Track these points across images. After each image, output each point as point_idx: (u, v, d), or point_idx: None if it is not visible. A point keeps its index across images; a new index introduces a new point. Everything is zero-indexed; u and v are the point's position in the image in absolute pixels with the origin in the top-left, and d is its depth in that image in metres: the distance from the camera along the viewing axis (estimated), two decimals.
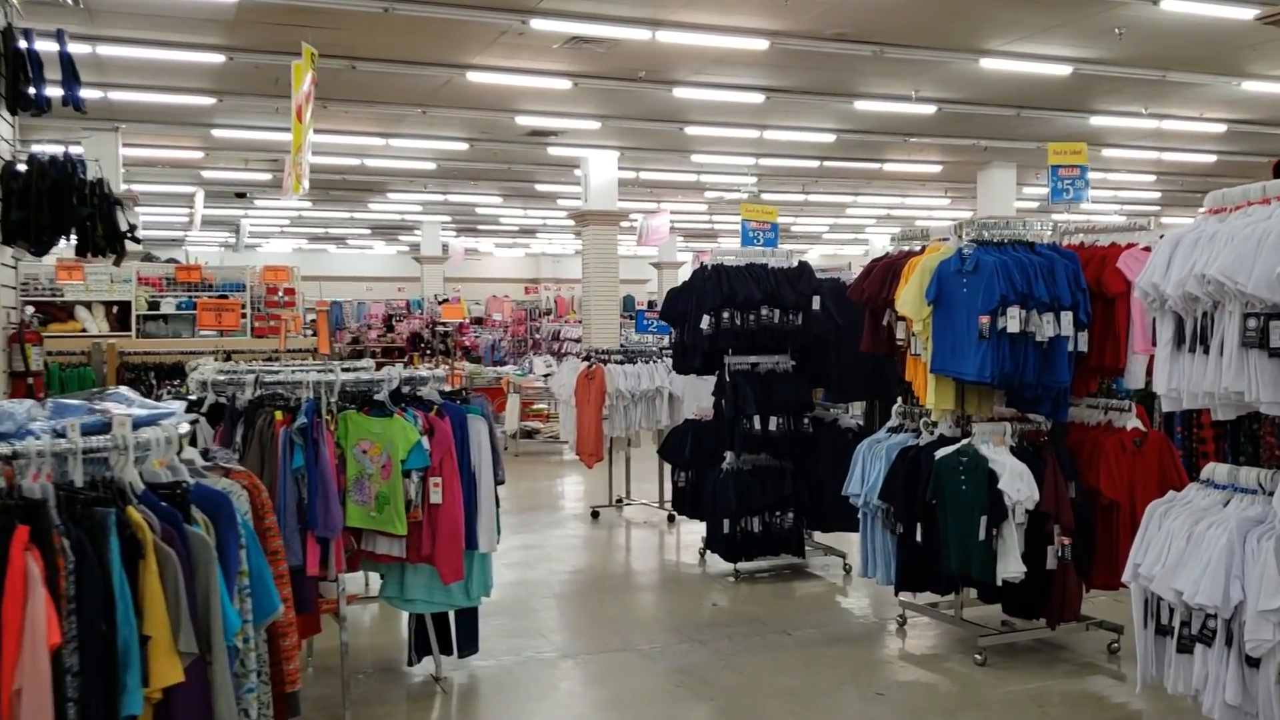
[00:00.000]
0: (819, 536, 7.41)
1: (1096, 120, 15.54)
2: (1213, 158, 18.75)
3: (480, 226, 31.66)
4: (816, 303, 6.79)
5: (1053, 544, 5.05)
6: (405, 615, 5.15)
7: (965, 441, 5.15)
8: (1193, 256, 3.74)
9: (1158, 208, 26.76)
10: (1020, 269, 5.04)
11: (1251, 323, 3.51)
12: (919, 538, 5.33)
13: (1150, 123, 15.66)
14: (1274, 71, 12.62)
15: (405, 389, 4.70)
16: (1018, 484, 4.94)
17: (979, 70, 12.67)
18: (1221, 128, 16.16)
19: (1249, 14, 9.96)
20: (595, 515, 9.19)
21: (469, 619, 5.07)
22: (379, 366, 5.09)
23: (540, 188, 22.61)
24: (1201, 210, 3.94)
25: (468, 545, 4.63)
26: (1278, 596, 3.39)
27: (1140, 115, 15.34)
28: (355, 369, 4.90)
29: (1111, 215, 20.49)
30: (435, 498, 4.48)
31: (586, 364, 9.11)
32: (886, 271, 5.58)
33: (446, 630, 5.06)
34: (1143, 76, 13.03)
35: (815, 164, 19.59)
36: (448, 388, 4.85)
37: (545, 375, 13.17)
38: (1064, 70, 12.67)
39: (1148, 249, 5.28)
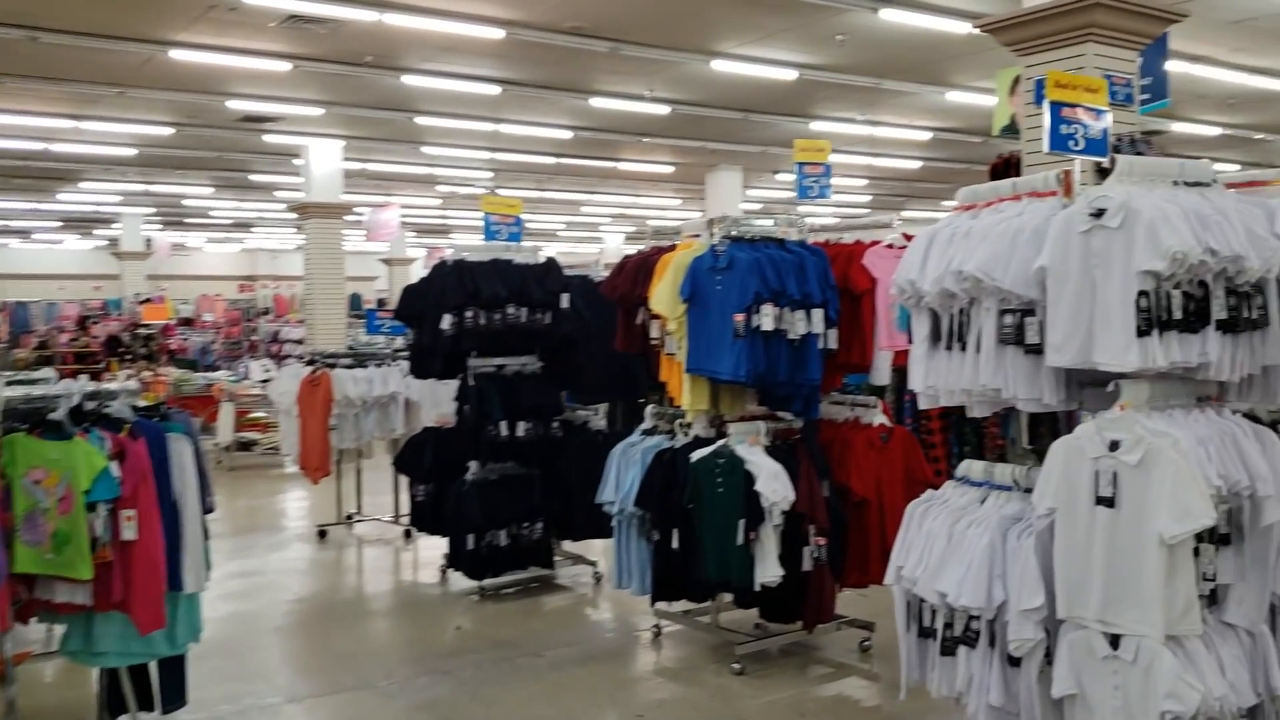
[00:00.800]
0: (567, 545, 7.10)
1: (817, 125, 16.18)
2: (919, 164, 20.05)
3: (189, 220, 29.32)
4: (565, 300, 6.47)
5: (808, 545, 4.97)
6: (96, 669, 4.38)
7: (721, 443, 4.98)
8: (949, 253, 3.68)
9: (867, 211, 28.50)
10: (773, 266, 4.92)
11: (1008, 319, 3.48)
12: (675, 544, 5.12)
13: (865, 129, 16.48)
14: (976, 83, 13.51)
15: (89, 405, 3.97)
16: (774, 485, 4.81)
17: (710, 72, 12.82)
18: (928, 135, 17.25)
19: (960, 26, 10.55)
20: (323, 535, 8.47)
21: (174, 667, 4.36)
22: (73, 375, 4.31)
23: (256, 178, 21.13)
24: (953, 205, 3.91)
25: (170, 587, 3.96)
26: (1038, 595, 3.37)
27: (856, 121, 16.10)
28: (31, 380, 4.12)
29: (826, 218, 21.50)
30: (128, 533, 3.79)
31: (310, 369, 8.38)
32: (639, 268, 5.34)
33: (146, 683, 4.33)
34: (860, 84, 13.62)
35: (552, 160, 19.36)
36: (143, 402, 4.15)
37: (263, 381, 12.18)
38: (790, 75, 13.03)
39: (891, 246, 5.33)
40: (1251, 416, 3.42)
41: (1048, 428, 4.08)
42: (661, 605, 5.54)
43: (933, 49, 11.99)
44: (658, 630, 5.71)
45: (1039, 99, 6.98)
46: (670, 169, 20.67)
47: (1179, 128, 15.88)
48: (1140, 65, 6.99)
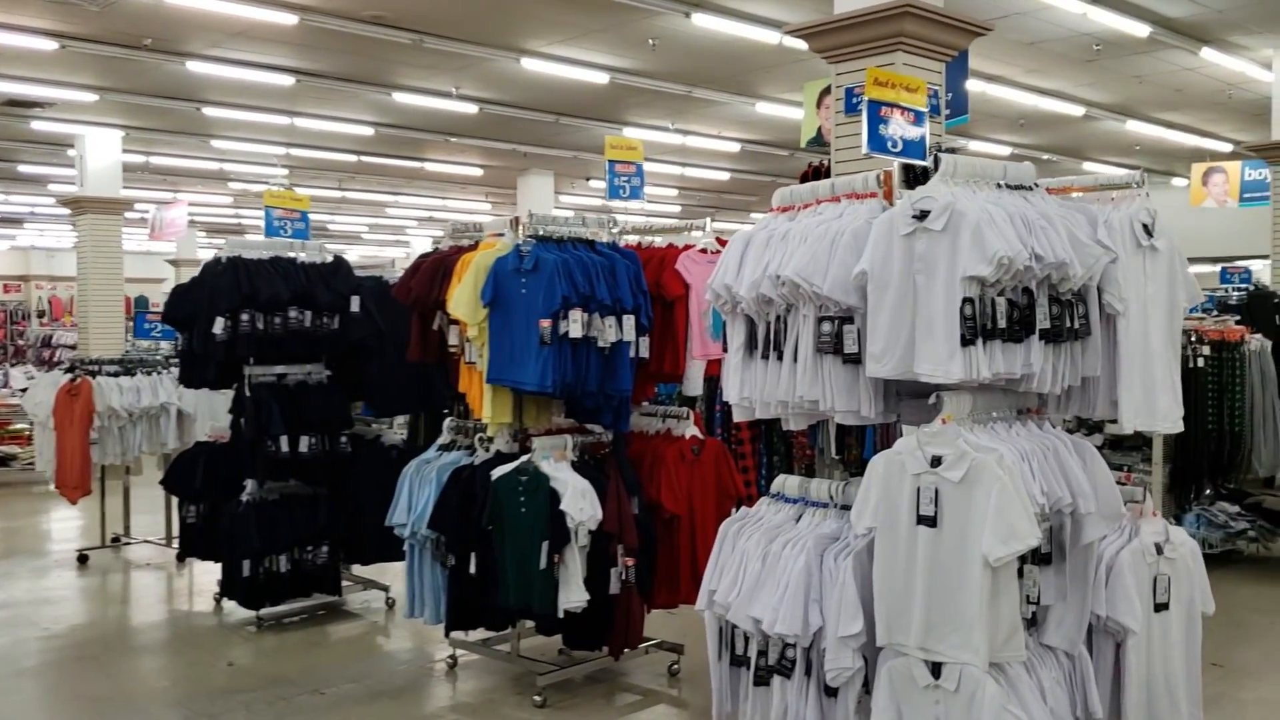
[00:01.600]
0: (357, 569, 6.56)
1: (630, 132, 16.02)
2: (727, 175, 20.24)
3: None
4: (356, 304, 5.95)
5: (616, 566, 4.66)
6: None
7: (525, 458, 4.61)
8: (765, 256, 3.46)
9: (679, 221, 28.66)
10: (582, 269, 4.60)
11: (826, 327, 3.28)
12: (473, 569, 4.71)
13: (676, 138, 16.45)
14: (785, 95, 13.66)
15: None
16: (581, 503, 4.48)
17: (520, 71, 12.43)
18: (736, 146, 17.40)
19: (771, 36, 10.57)
20: (84, 560, 7.59)
21: None
22: None
23: (25, 169, 19.35)
24: (772, 207, 3.69)
25: None
26: (856, 621, 3.16)
27: (668, 130, 16.05)
28: None
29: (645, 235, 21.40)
30: None
31: (70, 377, 7.50)
32: (436, 269, 4.91)
33: None
34: (672, 91, 13.54)
35: (353, 158, 18.49)
36: None
37: (24, 390, 11.00)
38: (601, 78, 12.81)
39: (705, 250, 5.10)
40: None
41: (855, 438, 3.93)
42: (458, 634, 5.11)
43: (743, 58, 12.01)
44: (453, 661, 5.28)
45: (850, 108, 6.95)
46: (480, 171, 20.13)
47: (974, 145, 16.58)
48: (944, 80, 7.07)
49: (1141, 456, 6.97)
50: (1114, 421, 3.34)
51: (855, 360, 3.22)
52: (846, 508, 3.39)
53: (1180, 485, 7.22)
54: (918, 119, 3.76)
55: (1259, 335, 7.86)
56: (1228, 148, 17.05)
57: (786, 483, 3.67)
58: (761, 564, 3.46)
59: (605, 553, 4.59)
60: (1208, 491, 7.41)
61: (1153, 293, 3.34)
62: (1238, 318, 8.01)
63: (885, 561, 3.13)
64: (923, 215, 3.03)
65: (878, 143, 3.59)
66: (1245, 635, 5.69)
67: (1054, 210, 3.19)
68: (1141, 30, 11.03)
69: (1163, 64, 12.85)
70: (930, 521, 3.03)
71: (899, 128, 3.68)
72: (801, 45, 7.55)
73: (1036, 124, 15.46)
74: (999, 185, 3.21)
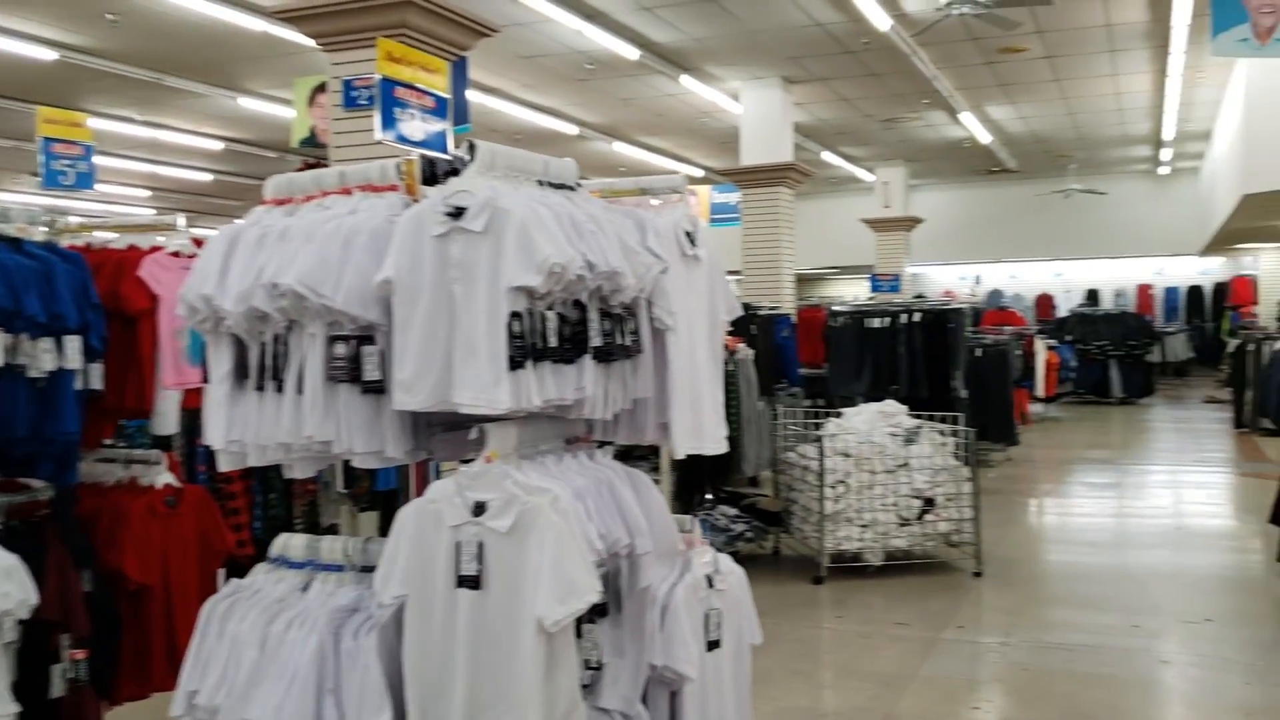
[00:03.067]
0: None
1: (92, 123, 13.88)
2: (210, 176, 18.46)
3: None
4: None
5: (60, 662, 3.59)
6: None
7: None
8: (259, 259, 2.72)
9: (145, 216, 25.86)
10: (4, 276, 3.49)
11: (340, 349, 2.62)
12: None
13: (146, 131, 14.60)
14: (272, 90, 12.56)
15: None
16: (5, 587, 3.38)
17: None
18: (219, 145, 15.85)
19: (254, 22, 9.52)
20: None
21: None
22: None
23: None
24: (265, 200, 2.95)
25: None
26: (383, 710, 2.55)
27: (134, 121, 14.19)
28: None
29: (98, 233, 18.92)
30: None
31: None
32: None
33: None
34: (138, 76, 11.90)
35: None
36: None
37: None
38: (48, 55, 10.89)
39: (179, 254, 4.17)
40: None
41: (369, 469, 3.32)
42: None
43: (224, 45, 10.80)
44: None
45: (349, 101, 6.25)
46: None
47: None
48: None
49: (649, 466, 7.05)
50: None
51: (378, 389, 2.60)
52: (368, 569, 2.75)
53: (685, 492, 7.43)
54: (438, 107, 3.22)
55: (743, 344, 8.37)
56: (700, 173, 18.66)
57: (289, 543, 2.93)
58: (260, 651, 2.72)
59: (44, 647, 3.51)
60: (709, 496, 7.70)
61: (695, 305, 3.09)
62: (729, 329, 8.45)
63: (418, 635, 2.54)
64: (458, 213, 2.49)
65: (391, 124, 3.00)
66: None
67: (601, 213, 2.80)
68: (632, 53, 11.51)
69: (648, 88, 13.61)
70: (473, 583, 2.49)
71: (416, 114, 3.11)
72: (291, 35, 6.75)
73: (533, 141, 15.78)
74: (540, 182, 2.75)
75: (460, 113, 7.96)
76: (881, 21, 10.98)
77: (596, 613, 2.72)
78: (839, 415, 7.85)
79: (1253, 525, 8.60)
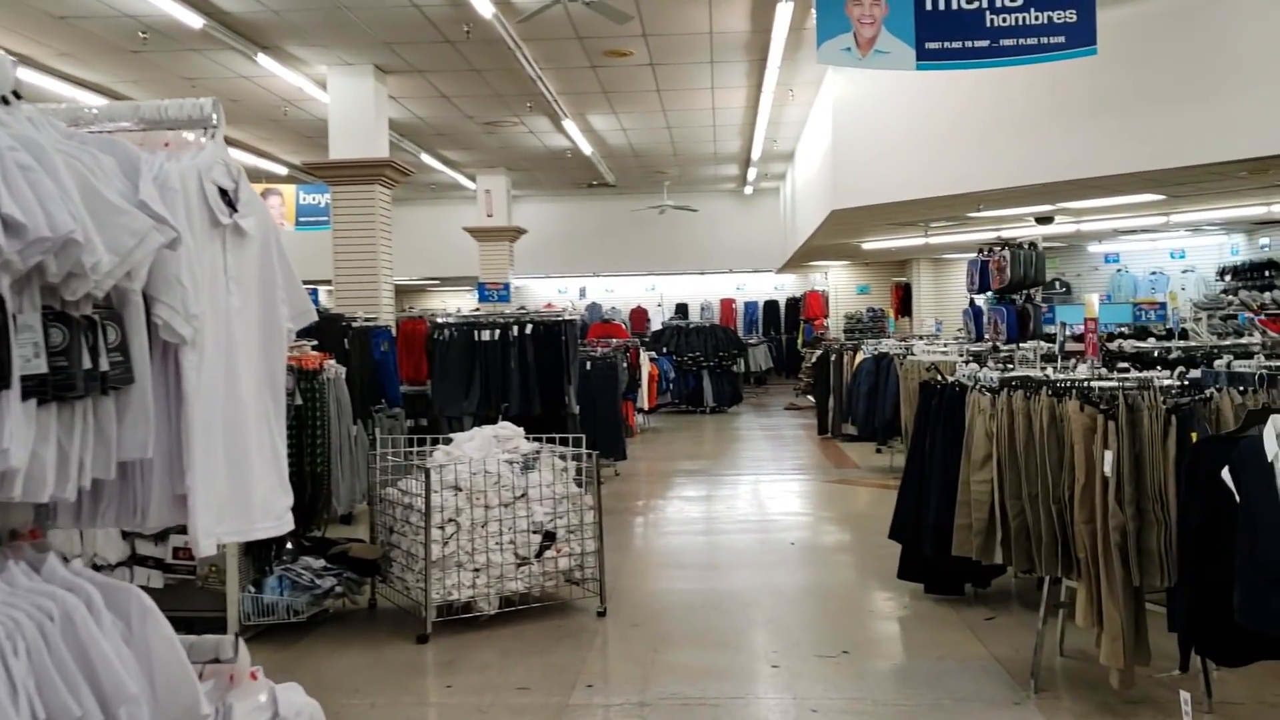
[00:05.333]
0: None
1: None
2: None
3: None
4: None
5: None
6: None
7: None
8: None
9: None
10: None
11: None
12: None
13: None
14: None
15: None
16: None
17: None
18: None
19: None
20: None
21: None
22: None
23: None
24: None
25: None
26: None
27: None
28: None
29: None
30: None
31: None
32: None
33: None
34: None
35: None
36: None
37: None
38: None
39: None
40: None
41: None
42: None
43: None
44: None
45: None
46: None
47: None
48: None
49: None
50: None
51: None
52: None
53: (256, 545, 6.12)
54: None
55: (333, 361, 7.16)
56: (284, 170, 16.85)
57: None
58: None
59: None
60: (289, 546, 6.41)
61: (240, 305, 1.99)
62: (314, 343, 7.20)
63: None
64: None
65: None
66: None
67: (55, 142, 1.63)
68: (195, 21, 9.82)
69: (219, 67, 11.87)
70: None
71: None
72: None
73: None
74: None
75: None
76: (484, 8, 10.15)
77: None
78: (448, 441, 6.87)
79: (863, 537, 8.68)
